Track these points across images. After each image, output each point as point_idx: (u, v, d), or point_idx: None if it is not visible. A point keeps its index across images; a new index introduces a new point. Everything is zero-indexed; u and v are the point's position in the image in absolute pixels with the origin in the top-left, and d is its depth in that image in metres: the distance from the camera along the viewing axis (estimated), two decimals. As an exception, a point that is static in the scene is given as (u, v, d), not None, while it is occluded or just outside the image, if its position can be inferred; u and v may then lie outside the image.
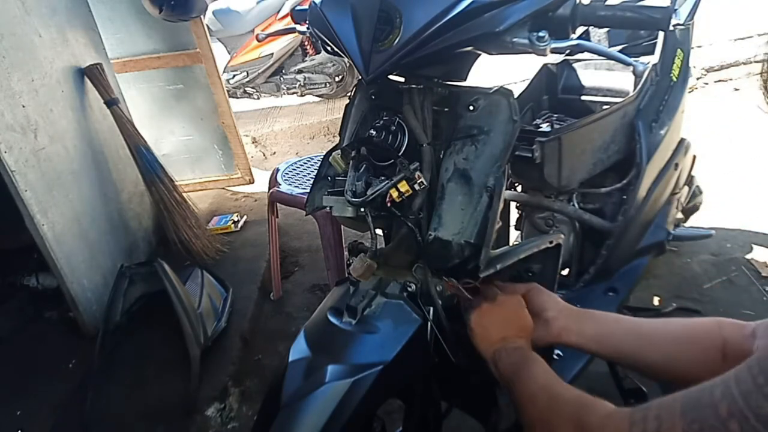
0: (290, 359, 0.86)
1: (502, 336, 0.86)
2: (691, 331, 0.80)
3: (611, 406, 0.64)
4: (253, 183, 3.25)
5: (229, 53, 4.70)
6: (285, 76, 4.65)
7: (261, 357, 2.01)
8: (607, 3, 1.36)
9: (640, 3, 1.60)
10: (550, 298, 0.90)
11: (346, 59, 0.97)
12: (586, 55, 1.54)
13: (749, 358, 0.51)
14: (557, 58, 1.64)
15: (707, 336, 0.77)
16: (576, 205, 1.39)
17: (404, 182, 0.84)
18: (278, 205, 2.19)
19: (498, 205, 0.84)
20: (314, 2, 0.91)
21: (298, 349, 0.88)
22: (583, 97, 1.62)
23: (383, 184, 0.86)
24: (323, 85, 4.61)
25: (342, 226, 1.88)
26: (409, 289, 0.92)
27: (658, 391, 0.98)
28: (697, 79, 3.85)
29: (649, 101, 1.40)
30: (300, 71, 4.61)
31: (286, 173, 2.16)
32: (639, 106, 1.37)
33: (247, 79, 4.60)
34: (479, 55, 0.90)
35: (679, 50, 1.54)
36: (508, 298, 0.90)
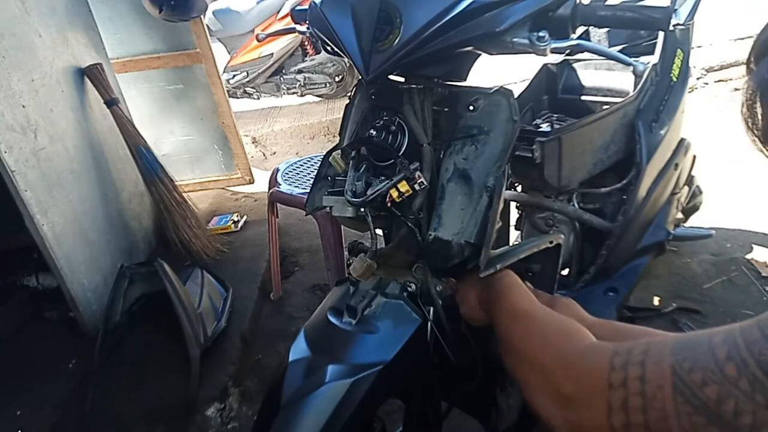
0: (290, 359, 0.86)
1: (485, 284, 0.86)
2: None
3: (594, 338, 0.63)
4: (253, 183, 3.25)
5: (229, 53, 4.70)
6: (285, 76, 4.65)
7: (261, 357, 2.01)
8: (607, 3, 1.36)
9: (640, 3, 1.60)
10: (575, 314, 0.89)
11: (346, 59, 0.97)
12: (586, 55, 1.54)
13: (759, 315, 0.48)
14: (557, 58, 1.64)
15: None
16: (576, 205, 1.39)
17: (404, 182, 0.84)
18: (278, 205, 2.19)
19: (498, 205, 0.84)
20: (314, 2, 0.91)
21: (298, 349, 0.88)
22: (583, 97, 1.62)
23: (383, 184, 0.86)
24: (323, 85, 4.61)
25: (342, 226, 1.88)
26: (409, 289, 0.92)
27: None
28: (697, 79, 3.85)
29: (649, 101, 1.40)
30: (300, 71, 4.61)
31: (286, 173, 2.16)
32: (639, 106, 1.37)
33: (247, 79, 4.60)
34: (479, 55, 0.90)
35: (679, 50, 1.54)
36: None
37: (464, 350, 0.93)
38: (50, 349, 2.00)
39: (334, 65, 4.53)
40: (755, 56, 0.55)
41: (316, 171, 1.03)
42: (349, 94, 1.03)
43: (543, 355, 0.63)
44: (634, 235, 1.45)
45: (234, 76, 4.61)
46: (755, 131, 0.56)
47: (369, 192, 0.86)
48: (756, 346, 0.45)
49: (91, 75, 2.21)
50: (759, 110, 0.54)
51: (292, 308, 2.26)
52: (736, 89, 3.72)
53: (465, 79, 0.94)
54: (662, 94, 1.46)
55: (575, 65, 1.65)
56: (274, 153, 4.19)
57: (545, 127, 1.47)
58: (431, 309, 0.91)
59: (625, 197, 1.37)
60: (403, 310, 0.90)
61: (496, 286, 0.83)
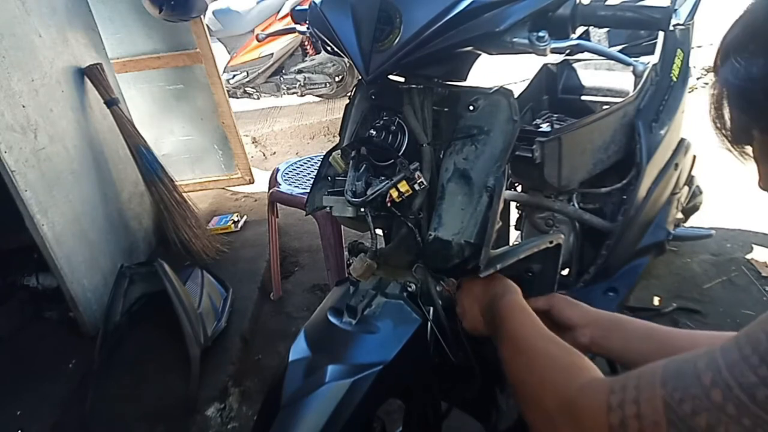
0: (290, 359, 0.86)
1: (487, 298, 0.86)
2: None
3: (593, 370, 0.63)
4: (253, 183, 3.25)
5: (229, 53, 4.70)
6: (285, 76, 4.65)
7: (261, 357, 2.01)
8: (607, 3, 1.36)
9: (640, 3, 1.60)
10: (575, 310, 0.89)
11: (346, 59, 0.97)
12: (586, 55, 1.54)
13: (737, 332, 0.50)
14: (557, 58, 1.64)
15: None
16: (576, 205, 1.39)
17: (404, 182, 0.84)
18: (278, 205, 2.19)
19: (498, 205, 0.84)
20: (314, 2, 0.91)
21: (298, 349, 0.88)
22: (583, 97, 1.62)
23: (383, 184, 0.86)
24: (323, 85, 4.61)
25: (342, 226, 1.88)
26: (409, 289, 0.92)
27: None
28: (697, 79, 3.84)
29: (649, 101, 1.40)
30: (300, 71, 4.61)
31: (286, 173, 2.16)
32: (639, 106, 1.37)
33: (247, 79, 4.60)
34: (479, 55, 0.90)
35: (679, 50, 1.54)
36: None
37: (464, 350, 0.93)
38: (50, 349, 2.00)
39: (334, 65, 4.53)
40: (721, 58, 0.56)
41: (316, 171, 1.04)
42: (349, 94, 1.03)
43: (544, 397, 0.64)
44: (634, 235, 1.45)
45: (234, 76, 4.61)
46: (723, 131, 0.57)
47: (369, 192, 0.86)
48: (737, 368, 0.46)
49: (91, 75, 2.21)
50: (726, 111, 0.55)
51: (292, 308, 2.26)
52: (736, 89, 3.72)
53: (465, 79, 0.94)
54: (662, 94, 1.46)
55: (575, 65, 1.65)
56: (274, 153, 4.19)
57: (545, 127, 1.47)
58: (431, 309, 0.91)
59: (625, 197, 1.36)
60: (403, 310, 0.90)
61: (499, 307, 0.82)
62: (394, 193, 0.85)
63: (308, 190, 1.02)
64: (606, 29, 1.68)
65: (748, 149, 0.57)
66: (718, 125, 0.57)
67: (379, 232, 0.99)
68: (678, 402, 0.49)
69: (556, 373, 0.65)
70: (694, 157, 1.80)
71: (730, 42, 0.55)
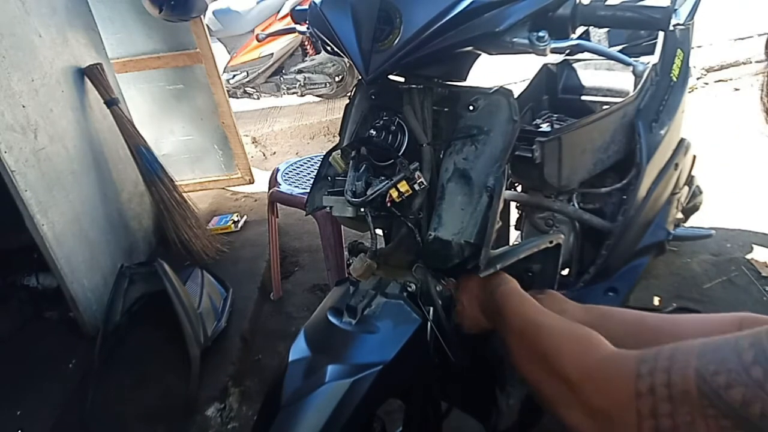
0: (290, 359, 0.86)
1: (486, 293, 0.86)
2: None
3: (609, 344, 0.63)
4: (253, 183, 3.25)
5: (229, 53, 4.70)
6: (285, 76, 4.65)
7: (261, 357, 2.01)
8: (607, 3, 1.36)
9: (640, 3, 1.60)
10: (561, 305, 0.89)
11: (346, 59, 0.97)
12: (586, 55, 1.54)
13: None
14: (557, 58, 1.64)
15: None
16: (576, 205, 1.39)
17: (404, 182, 0.84)
18: (278, 205, 2.19)
19: (498, 205, 0.84)
20: (314, 2, 0.91)
21: (298, 349, 0.88)
22: (583, 97, 1.62)
23: (383, 184, 0.86)
24: (323, 85, 4.61)
25: (342, 226, 1.88)
26: (409, 289, 0.92)
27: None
28: (697, 79, 3.85)
29: (649, 101, 1.40)
30: (300, 71, 4.61)
31: (286, 173, 2.16)
32: (639, 106, 1.37)
33: (247, 79, 4.60)
34: (479, 55, 0.90)
35: (679, 50, 1.54)
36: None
37: (464, 350, 0.93)
38: (50, 349, 2.00)
39: (334, 65, 4.53)
40: None
41: (316, 171, 1.04)
42: (349, 94, 1.03)
43: (563, 368, 0.63)
44: (634, 235, 1.45)
45: (234, 76, 4.61)
46: None
47: (369, 192, 0.86)
48: None
49: (91, 75, 2.21)
50: None
51: (292, 308, 2.26)
52: (736, 89, 3.72)
53: (465, 79, 0.94)
54: (662, 94, 1.46)
55: (575, 65, 1.65)
56: (274, 153, 4.19)
57: (545, 127, 1.47)
58: (431, 309, 0.91)
59: (625, 197, 1.36)
60: (403, 310, 0.90)
61: (496, 298, 0.82)
62: (394, 193, 0.85)
63: (308, 190, 1.02)
64: (606, 29, 1.68)
65: None
66: None
67: (379, 232, 0.99)
68: (712, 374, 0.48)
69: (574, 345, 0.65)
70: (694, 157, 1.80)
71: None
